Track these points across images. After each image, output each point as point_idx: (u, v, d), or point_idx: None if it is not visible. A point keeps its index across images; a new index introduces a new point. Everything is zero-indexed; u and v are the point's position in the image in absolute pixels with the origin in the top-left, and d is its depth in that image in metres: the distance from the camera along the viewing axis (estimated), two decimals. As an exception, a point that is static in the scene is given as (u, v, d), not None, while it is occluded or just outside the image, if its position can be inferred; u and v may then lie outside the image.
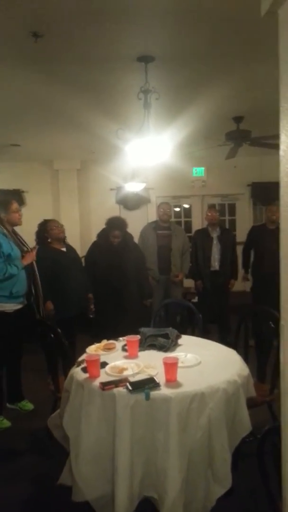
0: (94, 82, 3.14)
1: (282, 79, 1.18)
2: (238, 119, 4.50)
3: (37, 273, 3.45)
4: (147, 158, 2.82)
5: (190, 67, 2.85)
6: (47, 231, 3.81)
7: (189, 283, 5.47)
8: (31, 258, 3.37)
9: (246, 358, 2.51)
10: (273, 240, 5.49)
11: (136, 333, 2.69)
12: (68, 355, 2.73)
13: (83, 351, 2.65)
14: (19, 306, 3.29)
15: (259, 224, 5.36)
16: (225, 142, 4.72)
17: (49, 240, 3.79)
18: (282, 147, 1.22)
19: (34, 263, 3.42)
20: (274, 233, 5.44)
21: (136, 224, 5.61)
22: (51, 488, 2.43)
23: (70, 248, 3.95)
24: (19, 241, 3.42)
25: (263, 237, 4.88)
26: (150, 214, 7.41)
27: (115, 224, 4.43)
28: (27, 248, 3.42)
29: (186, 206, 7.81)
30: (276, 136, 1.25)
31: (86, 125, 4.39)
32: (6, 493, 2.49)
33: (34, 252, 3.40)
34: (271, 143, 4.51)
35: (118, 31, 2.34)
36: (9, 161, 6.65)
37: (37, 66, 2.81)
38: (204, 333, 3.25)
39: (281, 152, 1.22)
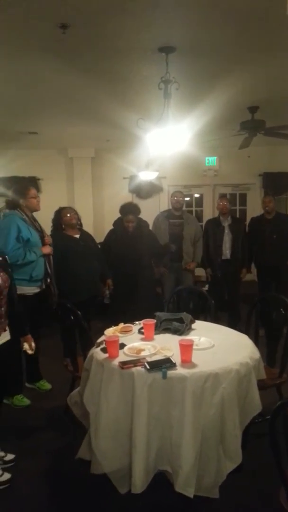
0: (115, 72, 3.19)
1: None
2: (253, 109, 4.52)
3: (51, 259, 3.55)
4: (166, 147, 2.89)
5: (210, 58, 2.90)
6: (62, 218, 3.89)
7: (200, 271, 5.55)
8: (49, 249, 3.48)
9: (256, 345, 2.61)
10: (271, 229, 5.59)
11: (149, 318, 2.79)
12: (86, 336, 2.84)
13: (98, 335, 2.76)
14: (37, 290, 3.40)
15: (258, 215, 5.43)
16: (239, 132, 4.74)
17: (63, 227, 3.88)
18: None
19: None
20: (271, 223, 5.52)
21: (149, 213, 5.68)
22: (69, 461, 2.57)
23: (86, 235, 4.03)
24: (39, 228, 3.51)
25: (263, 226, 5.06)
26: (162, 203, 7.47)
27: (128, 209, 4.58)
28: (44, 234, 3.52)
29: (197, 195, 7.85)
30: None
31: (104, 114, 4.45)
32: (26, 466, 2.63)
33: (49, 243, 3.51)
34: (286, 133, 4.54)
35: (143, 22, 2.39)
36: (25, 148, 6.73)
37: (62, 57, 2.88)
38: (215, 321, 3.35)
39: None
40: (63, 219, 3.88)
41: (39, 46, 2.70)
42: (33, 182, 6.93)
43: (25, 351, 2.61)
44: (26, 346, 2.61)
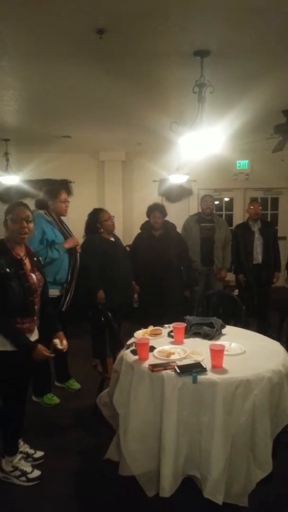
0: (150, 77, 3.22)
1: None
2: (287, 112, 4.45)
3: (78, 262, 3.51)
4: (199, 150, 2.89)
5: (245, 61, 2.88)
6: (100, 222, 3.81)
7: (230, 276, 5.49)
8: (73, 242, 3.43)
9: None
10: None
11: (177, 321, 2.78)
12: (117, 338, 2.86)
13: (127, 337, 2.77)
14: (58, 293, 3.41)
15: None
16: (272, 135, 4.68)
17: (101, 230, 3.82)
18: None
19: (78, 254, 3.50)
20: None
21: (178, 216, 5.68)
22: (97, 461, 2.60)
23: (117, 238, 4.04)
24: (65, 230, 3.52)
25: None
26: (192, 206, 7.45)
27: (155, 206, 4.60)
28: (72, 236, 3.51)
29: (226, 199, 7.78)
30: None
31: (137, 118, 4.49)
32: (55, 464, 2.67)
33: (75, 239, 3.48)
34: None
35: (179, 26, 2.40)
36: (58, 152, 6.87)
37: (98, 62, 2.92)
38: (245, 326, 3.30)
39: None
40: (103, 223, 3.79)
41: (76, 52, 2.75)
42: (65, 184, 7.05)
43: (55, 348, 2.58)
44: (56, 341, 2.58)
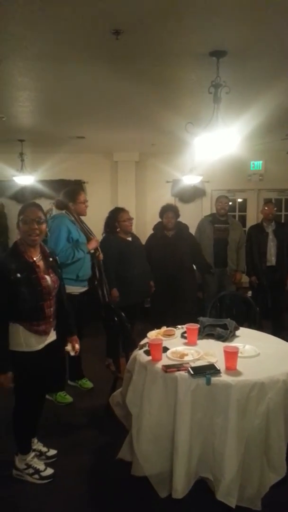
0: (165, 78, 3.21)
1: None
2: (303, 113, 4.41)
3: (101, 260, 3.63)
4: (215, 151, 2.88)
5: (262, 61, 2.85)
6: (118, 221, 3.89)
7: (243, 278, 5.45)
8: (95, 243, 3.56)
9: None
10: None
11: (189, 321, 2.77)
12: (130, 338, 2.86)
13: (139, 337, 2.77)
14: (83, 289, 3.50)
15: None
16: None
17: (118, 229, 3.89)
18: None
19: (99, 249, 3.61)
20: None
21: (191, 217, 5.66)
22: (109, 461, 2.60)
23: (135, 237, 4.07)
24: (86, 229, 3.61)
25: None
26: (205, 207, 7.41)
27: (168, 207, 4.64)
28: (93, 236, 3.61)
29: (240, 200, 7.73)
30: None
31: (152, 119, 4.48)
32: (67, 463, 2.68)
33: (98, 241, 3.58)
34: None
35: (195, 26, 2.38)
36: (72, 152, 6.90)
37: (114, 63, 2.93)
38: (258, 328, 3.27)
39: None
40: (121, 223, 3.87)
41: (91, 53, 2.76)
42: (79, 185, 7.09)
43: (67, 352, 2.63)
44: (69, 347, 2.61)
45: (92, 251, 3.54)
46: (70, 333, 2.64)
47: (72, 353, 2.64)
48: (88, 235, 3.57)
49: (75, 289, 3.38)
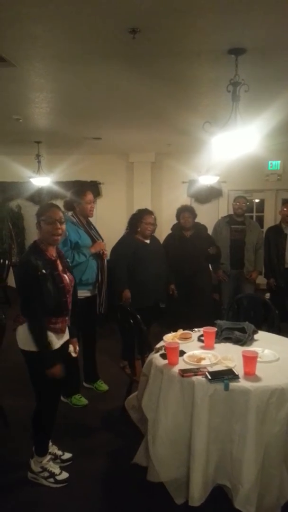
0: (183, 76, 3.17)
1: None
2: None
3: (105, 263, 3.50)
4: (233, 150, 2.82)
5: (282, 58, 2.79)
6: (140, 222, 3.80)
7: (260, 279, 5.37)
8: (99, 247, 3.43)
9: None
10: None
11: (206, 324, 2.72)
12: (146, 341, 2.82)
13: (155, 340, 2.72)
14: (88, 294, 3.41)
15: None
16: (307, 135, 4.54)
17: (138, 229, 3.82)
18: None
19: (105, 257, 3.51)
20: None
21: (208, 218, 5.60)
22: (124, 465, 2.57)
23: (154, 240, 4.00)
24: (93, 233, 3.50)
25: None
26: (222, 208, 7.34)
27: (185, 207, 4.60)
28: (98, 239, 3.50)
29: (257, 200, 7.62)
30: None
31: (169, 118, 4.44)
32: (82, 465, 2.66)
33: (103, 243, 3.48)
34: None
35: (213, 24, 2.34)
36: (88, 153, 6.92)
37: (130, 63, 2.90)
38: (277, 332, 3.20)
39: None
40: (143, 224, 3.78)
41: (108, 52, 2.74)
42: (95, 186, 7.09)
43: (69, 353, 2.63)
44: (71, 348, 2.65)
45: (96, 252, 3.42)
46: (71, 335, 2.65)
47: (74, 355, 2.67)
48: (94, 239, 3.46)
49: (80, 293, 3.30)
